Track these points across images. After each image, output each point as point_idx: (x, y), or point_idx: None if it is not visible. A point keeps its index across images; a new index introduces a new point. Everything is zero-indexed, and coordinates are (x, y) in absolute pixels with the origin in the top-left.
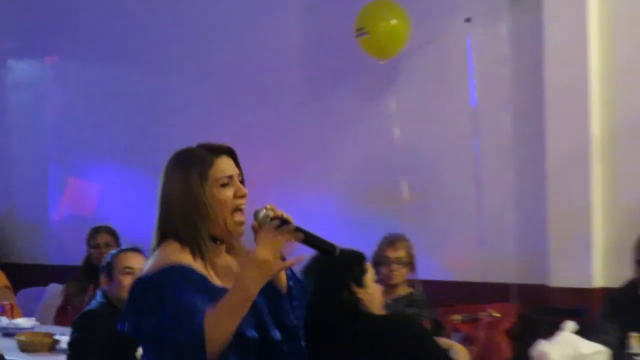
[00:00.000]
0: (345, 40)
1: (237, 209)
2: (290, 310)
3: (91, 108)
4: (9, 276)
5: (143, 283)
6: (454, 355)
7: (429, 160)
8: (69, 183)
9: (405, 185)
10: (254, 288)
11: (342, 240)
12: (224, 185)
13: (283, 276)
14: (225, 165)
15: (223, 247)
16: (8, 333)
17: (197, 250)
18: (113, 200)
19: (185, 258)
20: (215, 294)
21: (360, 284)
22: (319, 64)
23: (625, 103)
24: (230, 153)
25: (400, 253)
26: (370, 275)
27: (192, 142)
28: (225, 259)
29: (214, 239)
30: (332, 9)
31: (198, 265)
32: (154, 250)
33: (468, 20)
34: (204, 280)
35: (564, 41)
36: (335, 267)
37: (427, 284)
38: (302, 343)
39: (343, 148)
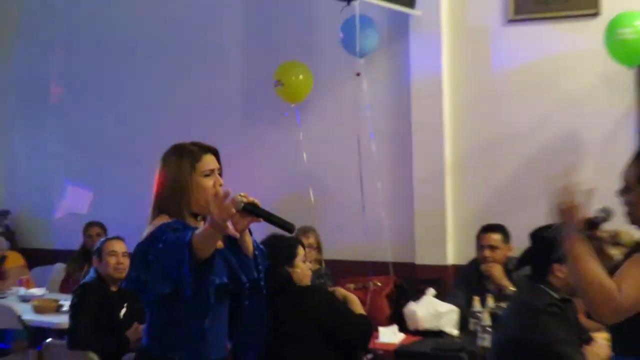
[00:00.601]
0: (268, 88)
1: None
2: (254, 269)
3: (82, 134)
4: (25, 258)
5: (141, 244)
6: (350, 305)
7: (327, 174)
8: (68, 188)
9: (311, 192)
10: (214, 229)
11: (265, 231)
12: (206, 176)
13: (250, 245)
14: (209, 161)
15: (202, 222)
16: (25, 299)
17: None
18: (102, 201)
19: None
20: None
21: (291, 264)
22: (250, 105)
23: (469, 134)
24: (215, 152)
25: (311, 240)
26: (300, 257)
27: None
28: None
29: (196, 215)
30: (259, 66)
31: None
32: (150, 223)
33: (358, 74)
34: (190, 227)
35: (425, 89)
36: (275, 250)
37: (329, 262)
38: (262, 299)
39: (268, 165)
